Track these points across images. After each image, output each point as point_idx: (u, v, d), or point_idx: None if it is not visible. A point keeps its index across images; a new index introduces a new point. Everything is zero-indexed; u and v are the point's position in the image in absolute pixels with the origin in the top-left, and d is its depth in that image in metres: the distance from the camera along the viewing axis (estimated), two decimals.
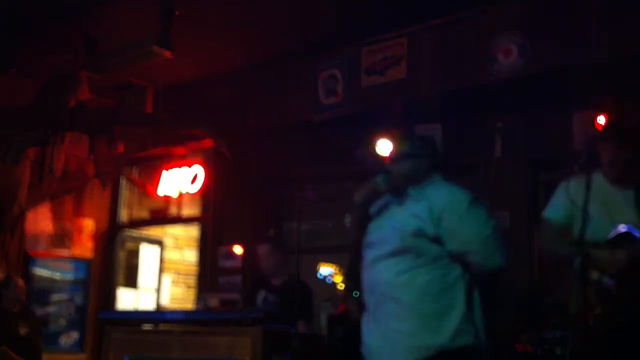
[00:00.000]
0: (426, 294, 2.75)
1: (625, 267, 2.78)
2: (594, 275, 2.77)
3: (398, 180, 2.98)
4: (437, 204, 2.83)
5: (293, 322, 4.03)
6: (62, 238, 7.41)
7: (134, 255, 8.42)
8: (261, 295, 4.81)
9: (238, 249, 6.84)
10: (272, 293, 4.78)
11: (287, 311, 4.26)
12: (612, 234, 2.82)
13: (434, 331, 2.72)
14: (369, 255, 2.95)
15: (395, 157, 3.08)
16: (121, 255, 8.16)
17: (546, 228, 3.13)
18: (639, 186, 2.97)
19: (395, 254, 2.81)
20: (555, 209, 3.09)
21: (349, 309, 4.80)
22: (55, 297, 7.29)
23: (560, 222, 3.04)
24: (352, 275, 4.19)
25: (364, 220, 3.03)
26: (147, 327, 4.32)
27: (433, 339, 2.71)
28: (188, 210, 7.94)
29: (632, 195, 2.95)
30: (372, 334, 2.88)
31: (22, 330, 5.77)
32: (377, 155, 5.71)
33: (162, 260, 8.57)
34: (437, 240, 2.80)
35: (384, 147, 5.98)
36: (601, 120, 4.56)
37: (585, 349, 2.58)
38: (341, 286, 6.13)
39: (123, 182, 8.07)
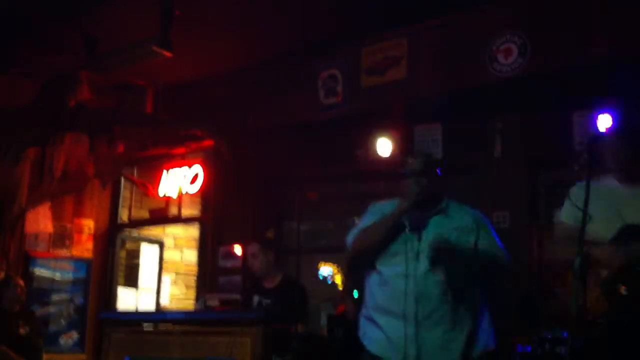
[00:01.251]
0: (475, 303, 2.97)
1: (626, 266, 2.79)
2: (603, 273, 2.78)
3: (427, 194, 3.02)
4: (474, 218, 3.07)
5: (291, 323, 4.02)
6: (62, 238, 7.41)
7: (134, 255, 8.42)
8: (255, 299, 4.76)
9: (238, 249, 6.84)
10: (265, 296, 4.73)
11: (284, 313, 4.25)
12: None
13: (481, 334, 2.96)
14: (410, 266, 2.94)
15: (417, 172, 3.06)
16: (121, 255, 8.15)
17: (558, 231, 3.18)
18: None
19: (448, 265, 2.92)
20: (565, 212, 3.16)
21: (348, 308, 4.81)
22: (55, 297, 7.28)
23: (570, 226, 3.09)
24: (354, 277, 4.21)
25: (394, 229, 3.03)
26: (147, 327, 4.33)
27: (481, 344, 2.95)
28: (188, 210, 7.93)
29: None
30: (420, 342, 2.87)
31: (22, 330, 5.77)
32: (383, 158, 5.73)
33: (162, 260, 8.56)
34: (475, 252, 2.99)
35: (385, 147, 5.99)
36: (605, 120, 4.57)
37: (588, 348, 2.58)
38: (341, 286, 6.14)
39: (123, 182, 8.07)
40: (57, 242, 7.37)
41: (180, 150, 7.55)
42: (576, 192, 3.11)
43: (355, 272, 3.45)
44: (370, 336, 3.04)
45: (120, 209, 8.04)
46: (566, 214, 3.14)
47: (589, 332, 2.64)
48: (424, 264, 2.93)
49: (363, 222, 3.19)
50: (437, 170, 3.07)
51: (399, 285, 2.94)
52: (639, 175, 3.01)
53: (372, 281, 3.09)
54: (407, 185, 3.03)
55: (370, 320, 3.05)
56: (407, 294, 2.91)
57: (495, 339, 3.00)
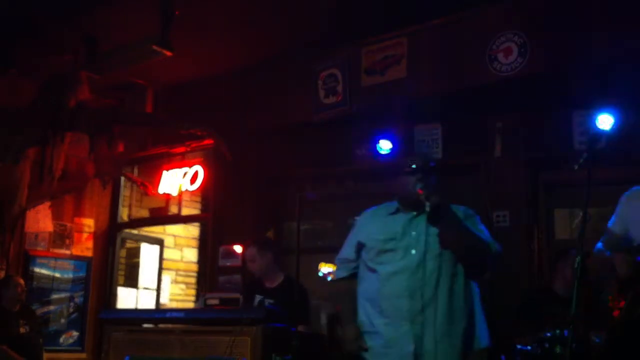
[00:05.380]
0: (468, 297, 2.95)
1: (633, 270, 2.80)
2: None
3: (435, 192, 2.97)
4: (463, 211, 3.05)
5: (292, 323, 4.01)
6: (62, 238, 7.41)
7: (134, 254, 8.42)
8: (256, 299, 4.74)
9: (238, 248, 6.83)
10: (267, 296, 4.72)
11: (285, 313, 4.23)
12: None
13: (477, 332, 2.94)
14: (406, 260, 2.94)
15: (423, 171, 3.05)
16: (121, 255, 8.16)
17: (608, 237, 3.20)
18: None
19: (442, 258, 2.91)
20: (613, 220, 3.20)
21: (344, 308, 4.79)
22: (55, 296, 7.29)
23: (617, 233, 3.12)
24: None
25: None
26: (147, 326, 4.32)
27: (478, 341, 2.93)
28: (188, 210, 7.94)
29: None
30: (415, 338, 2.86)
31: (22, 330, 5.78)
32: (383, 158, 5.73)
33: (162, 260, 8.57)
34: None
35: (385, 147, 5.99)
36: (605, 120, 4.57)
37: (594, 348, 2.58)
38: None
39: (123, 182, 8.08)
40: (57, 241, 7.37)
41: (180, 149, 7.55)
42: (621, 201, 3.12)
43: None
44: (370, 345, 2.98)
45: (120, 209, 8.05)
46: (611, 222, 3.16)
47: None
48: (412, 258, 2.92)
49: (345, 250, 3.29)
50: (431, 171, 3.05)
51: (394, 283, 2.93)
52: None
53: (369, 279, 3.07)
54: (408, 182, 2.99)
55: (368, 324, 3.02)
56: (395, 291, 2.91)
57: (491, 339, 2.98)
